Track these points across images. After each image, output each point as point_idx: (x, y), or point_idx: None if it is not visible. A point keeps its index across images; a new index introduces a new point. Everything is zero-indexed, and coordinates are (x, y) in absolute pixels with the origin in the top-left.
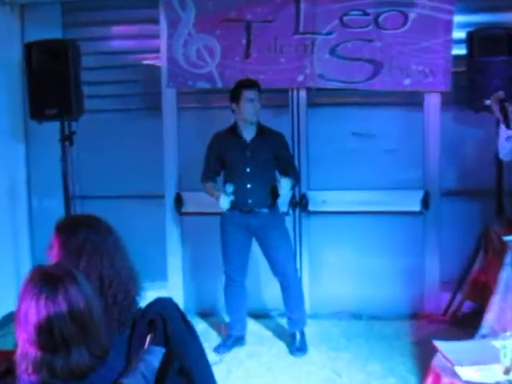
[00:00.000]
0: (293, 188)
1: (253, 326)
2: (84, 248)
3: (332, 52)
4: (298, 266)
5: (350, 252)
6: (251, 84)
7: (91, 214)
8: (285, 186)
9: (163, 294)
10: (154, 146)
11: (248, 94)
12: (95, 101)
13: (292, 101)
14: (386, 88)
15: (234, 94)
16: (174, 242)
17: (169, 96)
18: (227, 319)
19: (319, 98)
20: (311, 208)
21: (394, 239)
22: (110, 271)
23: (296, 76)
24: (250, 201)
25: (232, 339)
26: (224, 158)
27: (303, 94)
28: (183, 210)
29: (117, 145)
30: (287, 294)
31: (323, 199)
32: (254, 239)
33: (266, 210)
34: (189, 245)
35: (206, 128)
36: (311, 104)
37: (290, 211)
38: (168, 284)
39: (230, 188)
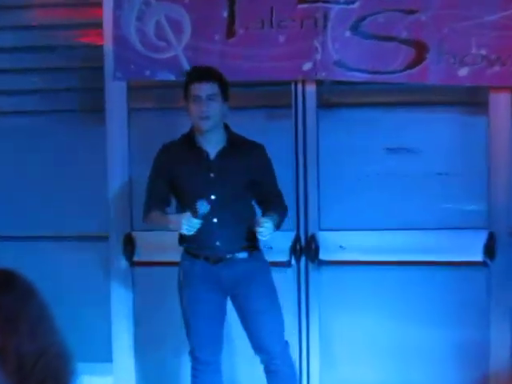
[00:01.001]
0: (277, 228)
1: None
2: None
3: (354, 28)
4: (303, 340)
5: (379, 320)
6: (200, 75)
7: (2, 268)
8: (266, 230)
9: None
10: (92, 163)
11: (194, 89)
12: (7, 98)
13: (295, 100)
14: (432, 82)
15: (184, 90)
16: (121, 305)
17: (116, 92)
18: None
19: (335, 95)
20: (323, 256)
21: (443, 301)
22: (33, 348)
23: (301, 63)
24: (217, 243)
25: None
26: (177, 180)
27: (312, 89)
28: (135, 257)
29: (38, 162)
30: (273, 381)
31: (340, 244)
32: (227, 300)
33: (242, 256)
34: (143, 309)
35: (169, 138)
36: (323, 105)
37: (293, 261)
38: (114, 366)
39: (203, 206)
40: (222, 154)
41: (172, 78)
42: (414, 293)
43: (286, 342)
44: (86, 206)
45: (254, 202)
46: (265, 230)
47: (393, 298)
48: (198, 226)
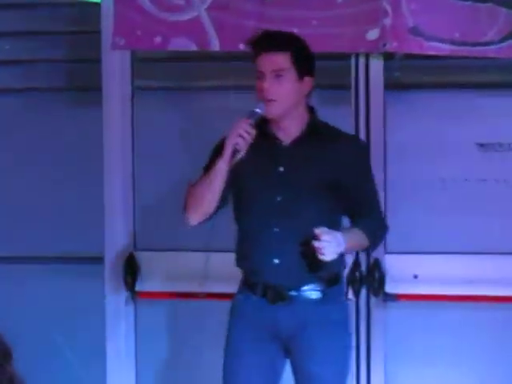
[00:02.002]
0: (367, 249)
1: None
2: None
3: None
4: None
5: (460, 374)
6: (264, 42)
7: None
8: (326, 246)
9: None
10: (84, 159)
11: (258, 62)
12: None
13: (356, 79)
14: None
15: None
16: (119, 348)
17: (116, 65)
18: None
19: (410, 73)
20: (390, 289)
21: None
22: None
23: (365, 30)
24: (276, 260)
25: None
26: (237, 173)
27: (379, 65)
28: (138, 286)
29: (11, 155)
30: None
31: (414, 272)
32: (284, 357)
33: (314, 295)
34: (146, 355)
35: (188, 128)
36: (394, 86)
37: (350, 294)
38: None
39: (260, 106)
40: (298, 142)
41: (192, 47)
42: (508, 337)
43: None
44: (74, 217)
45: (342, 215)
46: (324, 245)
47: (481, 346)
48: (247, 127)
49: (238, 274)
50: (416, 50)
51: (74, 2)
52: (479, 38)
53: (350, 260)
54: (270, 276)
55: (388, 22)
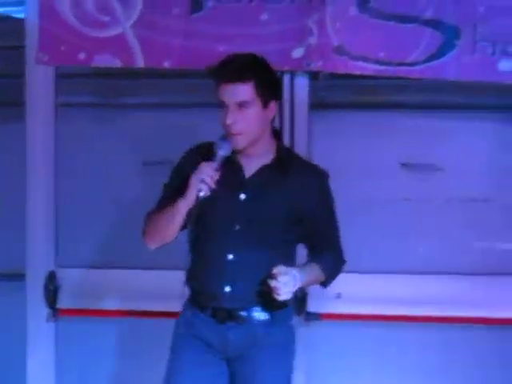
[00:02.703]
0: (324, 284)
1: None
2: None
3: (362, 4)
4: None
5: None
6: (225, 70)
7: None
8: (282, 287)
9: None
10: (6, 174)
11: (220, 92)
12: None
13: (282, 98)
14: (464, 77)
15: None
16: (40, 368)
17: (39, 80)
18: None
19: (335, 93)
20: (312, 308)
21: (475, 373)
22: None
23: (290, 48)
24: (226, 288)
25: None
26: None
27: (303, 83)
28: (59, 303)
29: None
30: None
31: (337, 291)
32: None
33: (261, 317)
34: (69, 372)
35: (112, 145)
36: (318, 105)
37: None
38: None
39: (225, 144)
40: (262, 171)
41: (116, 63)
42: (429, 357)
43: None
44: None
45: (297, 245)
46: (281, 286)
47: (403, 365)
48: (212, 173)
49: (156, 291)
50: (341, 70)
51: None
52: (404, 58)
53: None
54: (220, 301)
55: (313, 40)
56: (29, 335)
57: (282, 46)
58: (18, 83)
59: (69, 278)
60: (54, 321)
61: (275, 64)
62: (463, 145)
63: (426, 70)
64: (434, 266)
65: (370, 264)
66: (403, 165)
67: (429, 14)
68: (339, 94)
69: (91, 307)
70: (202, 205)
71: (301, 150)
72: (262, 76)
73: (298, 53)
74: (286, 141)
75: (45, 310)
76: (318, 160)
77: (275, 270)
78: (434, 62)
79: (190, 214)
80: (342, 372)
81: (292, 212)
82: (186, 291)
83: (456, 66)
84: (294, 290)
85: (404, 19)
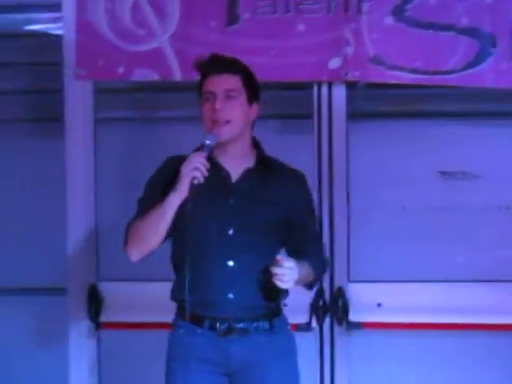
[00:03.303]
0: (311, 285)
1: None
2: None
3: (398, 13)
4: None
5: None
6: (216, 64)
7: None
8: (287, 274)
9: None
10: (46, 191)
11: (208, 83)
12: None
13: (319, 108)
14: (500, 85)
15: (198, 90)
16: (82, 380)
17: (78, 96)
18: None
19: (372, 102)
20: (354, 317)
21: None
22: None
23: (327, 59)
24: (230, 295)
25: None
26: (182, 206)
27: (341, 93)
28: (102, 317)
29: None
30: None
31: (378, 301)
32: None
33: (262, 326)
34: None
35: (151, 158)
36: (356, 115)
37: (314, 323)
38: None
39: (211, 136)
40: (248, 175)
41: (154, 77)
42: (471, 366)
43: None
44: (36, 249)
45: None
46: (285, 272)
47: (445, 373)
48: (203, 161)
49: None
50: (377, 79)
51: (35, 33)
52: (440, 66)
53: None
54: (221, 310)
55: (350, 50)
56: (71, 350)
57: (319, 56)
58: (57, 99)
59: (110, 291)
60: (97, 334)
61: (312, 75)
62: (501, 152)
63: (463, 78)
64: (473, 274)
65: (409, 273)
66: (441, 173)
67: (465, 22)
68: (376, 103)
69: (133, 320)
70: (196, 193)
71: (339, 159)
72: (248, 74)
73: (335, 63)
74: (325, 151)
75: (87, 324)
76: (356, 169)
77: (279, 257)
78: (471, 70)
79: (184, 207)
80: (384, 380)
81: (281, 215)
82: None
83: (493, 74)
84: (295, 280)
85: (440, 27)
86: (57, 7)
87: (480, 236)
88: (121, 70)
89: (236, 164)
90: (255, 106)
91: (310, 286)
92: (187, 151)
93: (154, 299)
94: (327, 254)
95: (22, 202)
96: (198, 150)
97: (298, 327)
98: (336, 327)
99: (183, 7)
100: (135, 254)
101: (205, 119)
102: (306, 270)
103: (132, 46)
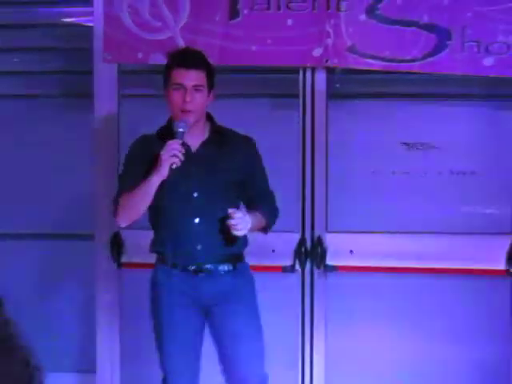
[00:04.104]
0: (264, 230)
1: None
2: None
3: (370, 11)
4: (306, 355)
5: (389, 332)
6: (187, 59)
7: None
8: (239, 222)
9: None
10: (78, 155)
11: (179, 76)
12: None
13: (304, 89)
14: (454, 71)
15: (165, 75)
16: (107, 310)
17: (105, 76)
18: None
19: (348, 85)
20: (330, 261)
21: (462, 314)
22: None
23: (311, 48)
24: (198, 247)
25: None
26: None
27: (322, 77)
28: (123, 258)
29: (19, 151)
30: None
31: (350, 248)
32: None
33: (226, 268)
34: (131, 314)
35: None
36: (335, 95)
37: (297, 266)
38: (97, 377)
39: (182, 124)
40: (205, 146)
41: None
42: (429, 303)
43: (266, 376)
44: (69, 202)
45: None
46: (238, 222)
47: (406, 309)
48: (179, 147)
49: None
50: (352, 65)
51: (69, 23)
52: (405, 55)
53: (297, 237)
54: (192, 259)
55: (330, 42)
56: (97, 286)
57: (305, 46)
58: (87, 78)
59: (130, 237)
60: (118, 273)
61: (299, 61)
62: (452, 127)
63: (423, 65)
64: (428, 226)
65: (377, 225)
66: (404, 143)
67: (425, 20)
68: (351, 85)
69: (149, 261)
70: (173, 174)
71: (320, 131)
72: (210, 68)
73: (317, 52)
74: (308, 124)
75: (110, 265)
76: (334, 139)
77: (230, 211)
78: (430, 59)
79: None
80: (355, 313)
81: (236, 176)
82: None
83: (448, 62)
84: (248, 228)
85: (405, 24)
86: (88, 2)
87: (435, 195)
88: (140, 55)
89: (196, 139)
90: (212, 93)
91: (264, 230)
92: None
93: None
94: (301, 208)
95: (59, 162)
96: (161, 129)
97: (285, 269)
98: (315, 270)
99: (192, 4)
100: (124, 222)
101: (173, 107)
102: (258, 219)
103: (149, 35)
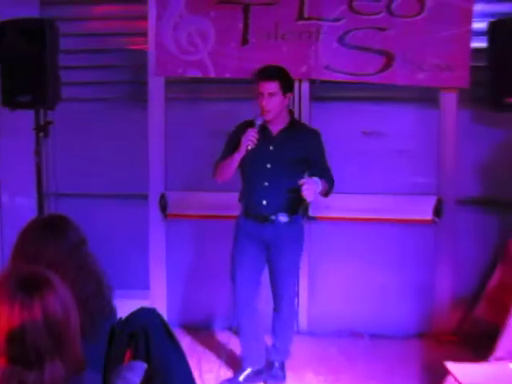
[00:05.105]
0: (325, 195)
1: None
2: (50, 264)
3: (340, 40)
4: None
5: (354, 264)
6: (263, 74)
7: (62, 216)
8: (309, 186)
9: (145, 303)
10: (138, 140)
11: (259, 86)
12: (73, 88)
13: (294, 94)
14: (398, 82)
15: (255, 84)
16: (157, 246)
17: (156, 85)
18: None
19: (324, 91)
20: (313, 213)
21: (402, 250)
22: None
23: (299, 66)
24: (264, 202)
25: (245, 373)
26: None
27: (306, 86)
28: (168, 211)
29: (97, 138)
30: (278, 317)
31: (327, 204)
32: (266, 255)
33: (283, 218)
34: (174, 250)
35: (196, 122)
36: (315, 98)
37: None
38: (150, 293)
39: (259, 118)
40: (281, 132)
41: (199, 74)
42: (380, 243)
43: (295, 294)
44: (131, 172)
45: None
46: (308, 185)
47: (364, 247)
48: (255, 134)
49: (232, 204)
50: (328, 78)
51: (132, 48)
52: (363, 71)
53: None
54: (259, 210)
55: (312, 61)
56: (150, 232)
57: (295, 64)
58: (144, 87)
59: (174, 197)
60: (165, 223)
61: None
62: (397, 120)
63: (377, 78)
64: (381, 188)
65: (345, 187)
66: (364, 132)
67: (377, 47)
68: (327, 92)
69: (187, 213)
70: (249, 154)
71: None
72: (284, 77)
73: (303, 69)
74: (296, 118)
75: (159, 215)
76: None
77: (301, 182)
78: (381, 74)
79: (243, 157)
80: (331, 251)
81: (302, 155)
82: (240, 205)
83: (393, 76)
84: (318, 191)
85: (363, 49)
86: (144, 34)
87: (384, 167)
88: (180, 70)
89: (276, 126)
90: (289, 95)
91: (325, 195)
92: (222, 121)
93: (202, 201)
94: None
95: (124, 143)
96: (246, 121)
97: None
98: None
99: (216, 34)
100: (220, 180)
101: (259, 107)
102: (324, 184)
103: (186, 56)
